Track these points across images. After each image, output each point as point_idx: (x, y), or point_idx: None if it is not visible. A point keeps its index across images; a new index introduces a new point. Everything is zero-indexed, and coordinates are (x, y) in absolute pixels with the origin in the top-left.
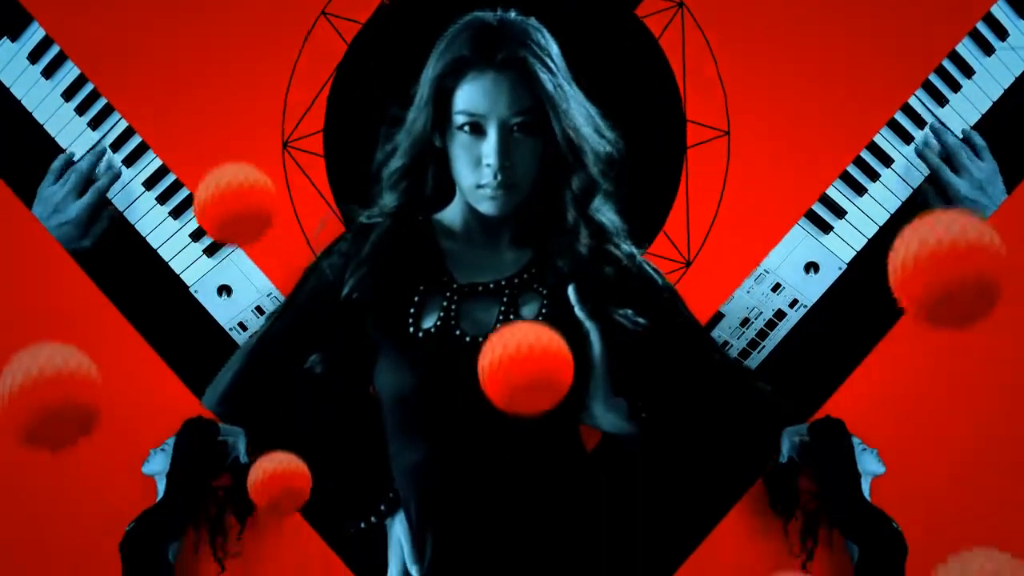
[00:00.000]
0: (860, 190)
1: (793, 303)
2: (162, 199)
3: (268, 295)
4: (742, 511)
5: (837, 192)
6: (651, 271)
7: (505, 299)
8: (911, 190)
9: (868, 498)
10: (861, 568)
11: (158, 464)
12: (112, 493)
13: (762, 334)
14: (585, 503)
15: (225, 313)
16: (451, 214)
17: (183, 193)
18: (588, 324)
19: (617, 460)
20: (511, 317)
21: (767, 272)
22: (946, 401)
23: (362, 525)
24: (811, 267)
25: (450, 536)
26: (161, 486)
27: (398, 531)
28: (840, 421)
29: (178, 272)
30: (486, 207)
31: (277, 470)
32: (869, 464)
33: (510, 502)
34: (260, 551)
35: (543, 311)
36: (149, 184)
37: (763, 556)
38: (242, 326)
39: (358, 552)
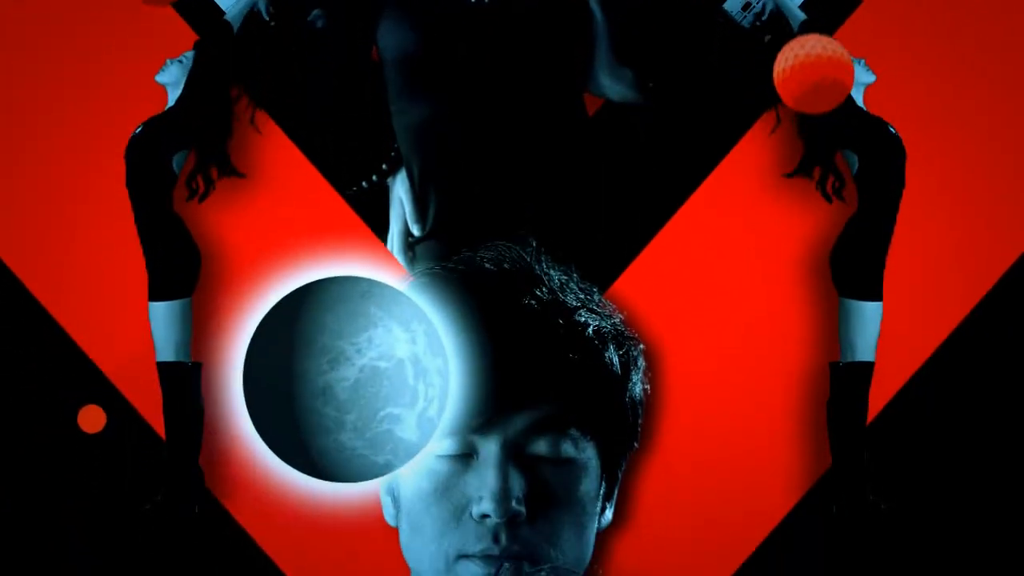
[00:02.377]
0: None
1: None
2: None
3: None
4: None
5: None
6: None
7: None
8: None
9: (863, 107)
10: (862, 176)
11: (172, 75)
12: (121, 101)
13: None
14: (586, 163)
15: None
16: None
17: None
18: None
19: (619, 126)
20: None
21: None
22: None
23: (364, 184)
24: None
25: (453, 194)
26: (173, 95)
27: (399, 190)
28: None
29: None
30: None
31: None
32: (859, 75)
33: (512, 161)
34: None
35: None
36: None
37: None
38: None
39: (359, 211)
